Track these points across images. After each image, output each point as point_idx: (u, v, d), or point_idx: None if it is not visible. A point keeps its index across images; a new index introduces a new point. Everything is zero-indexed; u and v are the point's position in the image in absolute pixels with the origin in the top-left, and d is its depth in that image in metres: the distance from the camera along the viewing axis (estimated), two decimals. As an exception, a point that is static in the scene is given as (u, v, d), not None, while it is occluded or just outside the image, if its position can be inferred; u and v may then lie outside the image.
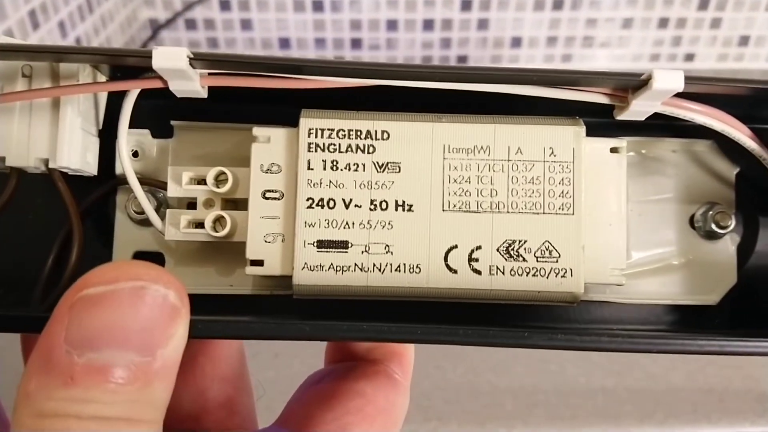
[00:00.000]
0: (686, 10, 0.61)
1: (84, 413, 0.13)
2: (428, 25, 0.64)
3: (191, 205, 0.21)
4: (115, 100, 0.20)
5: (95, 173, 0.21)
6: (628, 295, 0.21)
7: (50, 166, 0.19)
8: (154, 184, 0.21)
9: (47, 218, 0.22)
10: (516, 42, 0.65)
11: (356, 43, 0.64)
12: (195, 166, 0.20)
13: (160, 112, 0.22)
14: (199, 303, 0.21)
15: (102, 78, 0.20)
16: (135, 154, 0.22)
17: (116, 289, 0.14)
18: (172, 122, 0.22)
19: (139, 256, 0.22)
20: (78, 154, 0.20)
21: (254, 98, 0.21)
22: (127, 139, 0.20)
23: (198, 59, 0.17)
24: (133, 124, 0.21)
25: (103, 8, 0.56)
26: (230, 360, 0.22)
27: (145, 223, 0.21)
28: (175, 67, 0.17)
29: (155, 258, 0.22)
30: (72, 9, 0.53)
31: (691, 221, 0.22)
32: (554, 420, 0.48)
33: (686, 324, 0.22)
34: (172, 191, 0.20)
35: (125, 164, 0.20)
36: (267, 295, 0.21)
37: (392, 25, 0.63)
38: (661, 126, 0.22)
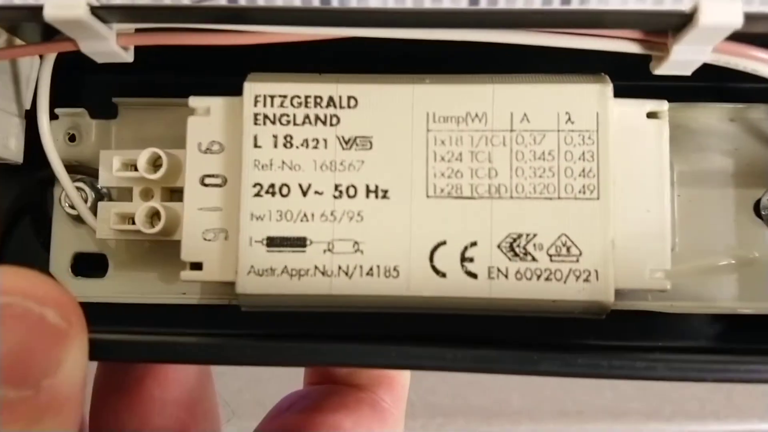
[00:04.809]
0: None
1: None
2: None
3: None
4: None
5: (21, 161, 0.18)
6: (675, 302, 0.18)
7: (-43, 151, 0.16)
8: (90, 173, 0.18)
9: None
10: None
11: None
12: (132, 149, 0.17)
13: (103, 88, 0.19)
14: (143, 314, 0.18)
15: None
16: (72, 138, 0.19)
17: None
18: (115, 99, 0.19)
19: (79, 258, 0.19)
20: (-8, 138, 0.17)
21: (204, 66, 0.18)
22: (49, 118, 0.17)
23: (106, 8, 0.13)
24: (69, 103, 0.18)
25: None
26: (185, 381, 0.19)
27: (83, 219, 0.18)
28: (71, 16, 0.13)
29: (97, 261, 0.19)
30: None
31: (756, 208, 0.18)
32: (561, 416, 0.48)
33: (748, 339, 0.18)
34: (104, 180, 0.18)
35: (47, 147, 0.17)
36: (225, 305, 0.18)
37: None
38: (708, 89, 0.18)
